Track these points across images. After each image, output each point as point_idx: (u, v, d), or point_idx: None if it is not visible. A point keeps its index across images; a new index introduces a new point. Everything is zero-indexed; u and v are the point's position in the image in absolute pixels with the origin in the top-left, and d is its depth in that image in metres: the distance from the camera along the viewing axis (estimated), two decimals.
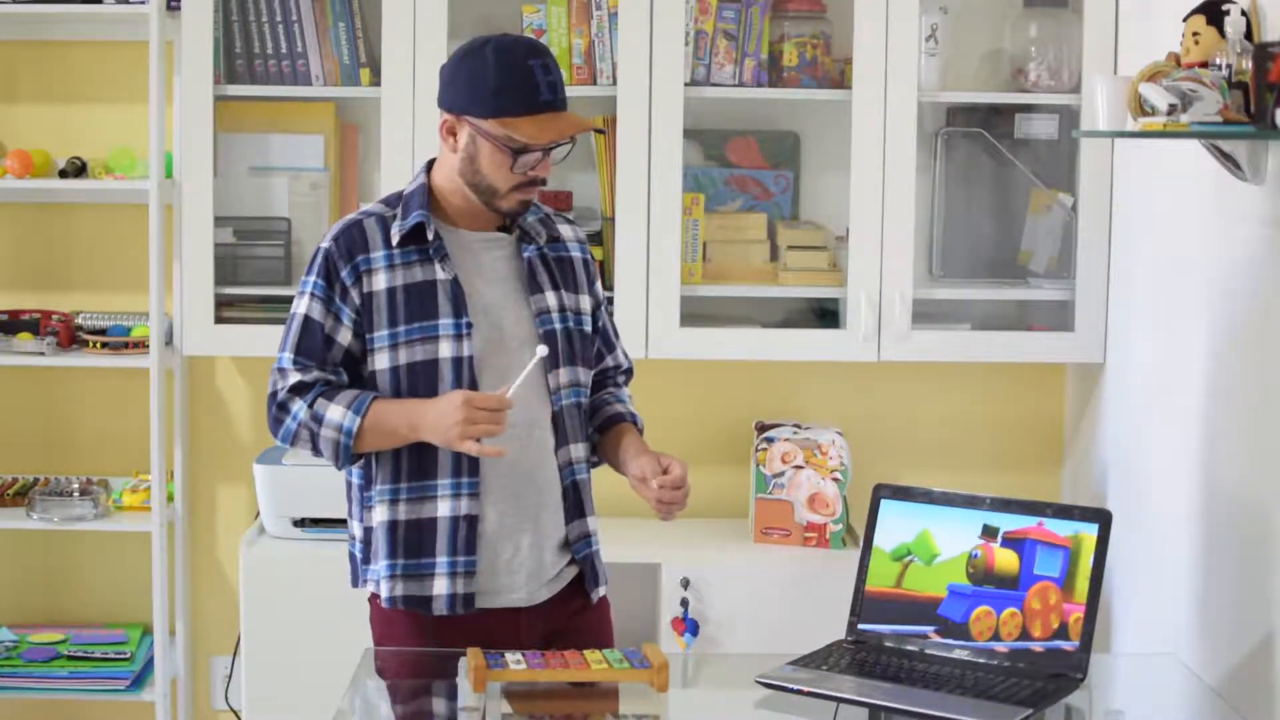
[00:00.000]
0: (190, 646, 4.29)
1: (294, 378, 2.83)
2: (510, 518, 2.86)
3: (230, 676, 4.23)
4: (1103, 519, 2.76)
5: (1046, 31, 3.99)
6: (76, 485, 4.14)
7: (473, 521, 2.83)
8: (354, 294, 2.83)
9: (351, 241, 2.85)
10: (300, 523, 3.92)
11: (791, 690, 2.71)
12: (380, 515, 2.87)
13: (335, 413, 2.80)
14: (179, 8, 3.90)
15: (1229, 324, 3.15)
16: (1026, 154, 4.09)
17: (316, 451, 2.85)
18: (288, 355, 2.85)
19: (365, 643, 2.95)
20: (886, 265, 3.93)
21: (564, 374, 2.90)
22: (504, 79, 2.77)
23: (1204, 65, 2.91)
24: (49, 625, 4.26)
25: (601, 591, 3.00)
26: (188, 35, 3.89)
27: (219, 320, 3.97)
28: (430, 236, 2.84)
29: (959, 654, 2.79)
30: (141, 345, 4.04)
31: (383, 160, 3.92)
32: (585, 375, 2.97)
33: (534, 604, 2.91)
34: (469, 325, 2.82)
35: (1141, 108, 2.94)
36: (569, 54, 3.92)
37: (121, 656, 4.12)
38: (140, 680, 4.12)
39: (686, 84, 3.90)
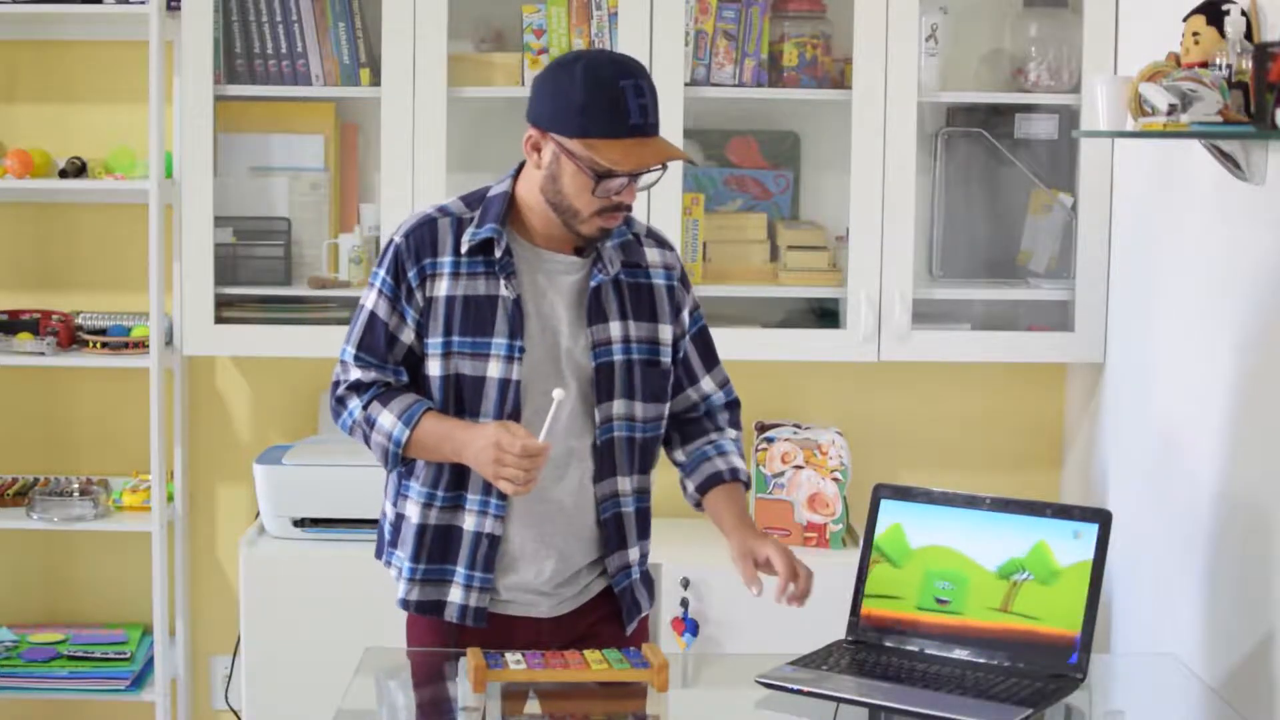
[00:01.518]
0: (190, 646, 4.29)
1: (354, 374, 2.82)
2: (534, 543, 2.83)
3: (230, 676, 4.23)
4: (1103, 519, 2.75)
5: (1046, 31, 3.99)
6: (76, 485, 4.14)
7: (494, 541, 2.80)
8: (418, 296, 2.78)
9: (421, 242, 2.78)
10: (300, 523, 3.92)
11: (791, 690, 2.70)
12: (413, 514, 2.84)
13: (386, 420, 2.77)
14: (179, 8, 3.90)
15: (1229, 324, 3.15)
16: (1026, 154, 4.09)
17: (370, 448, 2.83)
18: (351, 350, 2.82)
19: (365, 642, 2.95)
20: (886, 265, 3.93)
21: (617, 406, 2.81)
22: (591, 98, 2.65)
23: (1204, 65, 2.91)
24: (49, 625, 4.26)
25: (637, 621, 2.93)
26: (188, 35, 3.89)
27: (219, 320, 3.97)
28: (499, 253, 2.76)
29: (959, 654, 2.79)
30: (141, 345, 4.04)
31: (383, 160, 3.92)
32: (648, 409, 2.85)
33: (558, 615, 2.88)
34: (521, 349, 2.76)
35: (1141, 108, 2.94)
36: None
37: (121, 656, 4.11)
38: (140, 680, 4.12)
39: (686, 84, 3.90)
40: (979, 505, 2.84)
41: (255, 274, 4.05)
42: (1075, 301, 3.98)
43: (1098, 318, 3.96)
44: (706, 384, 2.97)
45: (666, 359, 2.87)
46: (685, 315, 2.92)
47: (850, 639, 2.87)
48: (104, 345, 4.05)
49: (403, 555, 2.87)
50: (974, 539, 2.82)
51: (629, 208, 2.76)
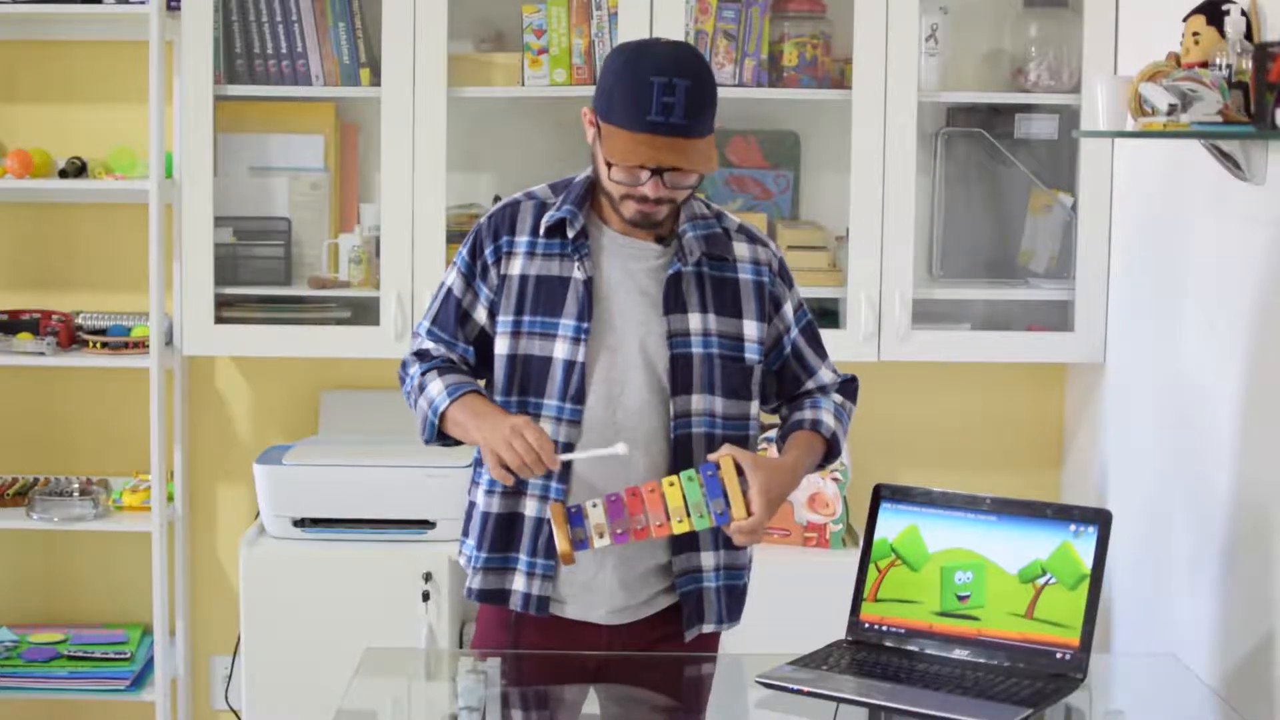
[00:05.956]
0: (190, 646, 4.29)
1: (422, 344, 2.85)
2: None
3: (230, 676, 4.23)
4: (1103, 519, 2.75)
5: (1046, 31, 3.99)
6: (76, 485, 4.14)
7: None
8: (493, 274, 2.79)
9: (501, 221, 2.81)
10: (300, 523, 3.92)
11: (791, 690, 2.70)
12: (480, 502, 2.83)
13: (435, 389, 2.78)
14: (179, 8, 3.90)
15: (1229, 324, 3.15)
16: (1026, 154, 4.09)
17: (416, 417, 2.82)
18: (426, 324, 2.86)
19: (365, 642, 2.95)
20: (886, 265, 3.93)
21: (696, 401, 2.75)
22: (618, 86, 2.64)
23: (1204, 65, 2.91)
24: (49, 625, 4.26)
25: (703, 630, 2.85)
26: (188, 35, 3.90)
27: (219, 320, 3.97)
28: (571, 234, 2.76)
29: (959, 654, 2.79)
30: (141, 345, 4.04)
31: (383, 160, 3.92)
32: (730, 405, 2.79)
33: (616, 624, 2.82)
34: (588, 331, 2.73)
35: (1141, 108, 2.94)
36: (569, 54, 3.92)
37: (121, 656, 4.12)
38: (140, 680, 4.12)
39: None
40: (979, 505, 2.84)
41: (255, 274, 4.06)
42: (1075, 301, 3.98)
43: (1098, 318, 3.96)
44: (825, 374, 2.94)
45: (751, 355, 2.82)
46: (789, 310, 2.88)
47: (850, 639, 2.87)
48: (104, 345, 4.05)
49: (470, 543, 2.86)
50: (987, 541, 2.81)
51: (661, 202, 2.69)
